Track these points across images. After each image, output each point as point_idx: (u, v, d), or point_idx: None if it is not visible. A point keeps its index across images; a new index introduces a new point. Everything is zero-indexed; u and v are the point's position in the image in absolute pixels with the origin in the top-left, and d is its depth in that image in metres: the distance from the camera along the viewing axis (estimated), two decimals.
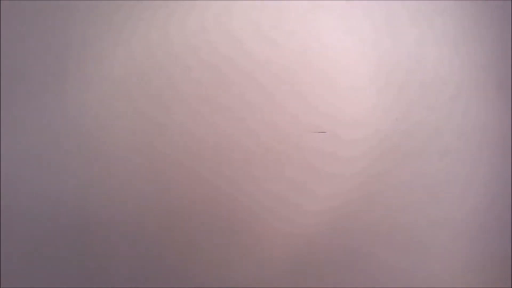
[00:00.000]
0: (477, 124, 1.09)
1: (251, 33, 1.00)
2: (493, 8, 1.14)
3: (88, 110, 0.92)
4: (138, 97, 0.95)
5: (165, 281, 0.97)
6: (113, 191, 0.94)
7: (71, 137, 0.92)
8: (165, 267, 0.97)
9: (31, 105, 0.90)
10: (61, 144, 0.92)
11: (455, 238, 1.08)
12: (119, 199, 0.94)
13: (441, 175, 1.07)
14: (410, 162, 1.07)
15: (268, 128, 1.01)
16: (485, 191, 1.09)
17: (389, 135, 1.06)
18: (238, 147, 1.00)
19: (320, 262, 1.06)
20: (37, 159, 0.90)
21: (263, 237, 1.03)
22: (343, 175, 1.07)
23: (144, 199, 0.96)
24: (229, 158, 0.99)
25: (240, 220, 1.01)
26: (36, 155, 0.90)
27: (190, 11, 0.96)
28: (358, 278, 1.08)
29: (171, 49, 0.96)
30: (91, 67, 0.92)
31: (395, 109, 1.06)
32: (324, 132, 1.04)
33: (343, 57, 1.04)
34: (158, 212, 0.96)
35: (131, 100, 0.95)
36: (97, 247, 0.94)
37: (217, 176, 0.99)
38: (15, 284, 0.90)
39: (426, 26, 1.09)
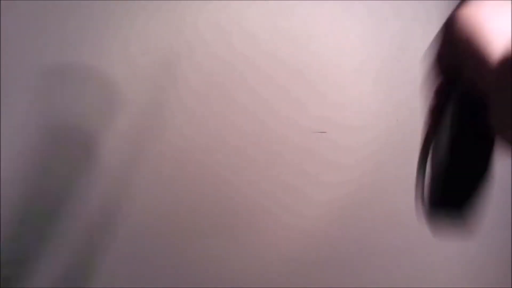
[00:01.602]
0: None
1: (248, 35, 1.00)
2: None
3: (84, 112, 0.92)
4: (135, 99, 0.95)
5: (163, 282, 0.97)
6: (111, 192, 0.94)
7: (68, 139, 0.92)
8: (163, 268, 0.97)
9: (26, 106, 0.90)
10: (57, 145, 0.91)
11: (455, 242, 1.08)
12: (117, 200, 0.94)
13: None
14: (410, 166, 1.07)
15: (264, 131, 1.01)
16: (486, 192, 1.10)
17: (390, 139, 1.06)
18: (236, 150, 1.00)
19: (316, 267, 1.06)
20: (34, 160, 0.90)
21: (260, 241, 1.03)
22: (343, 178, 1.07)
23: (141, 200, 0.95)
24: (226, 160, 0.99)
25: (237, 222, 1.01)
26: (33, 155, 0.90)
27: (186, 12, 0.96)
28: (355, 282, 1.08)
29: (167, 51, 0.95)
30: (87, 69, 0.92)
31: (397, 112, 1.06)
32: (325, 132, 1.04)
33: (343, 58, 1.05)
34: (154, 213, 0.96)
35: (128, 102, 0.94)
36: (96, 247, 0.94)
37: (214, 178, 0.99)
38: (15, 284, 0.89)
39: (431, 26, 1.10)
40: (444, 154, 0.30)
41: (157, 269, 0.97)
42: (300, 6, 1.02)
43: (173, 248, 0.97)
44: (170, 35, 0.96)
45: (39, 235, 0.91)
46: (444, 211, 0.32)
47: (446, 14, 0.35)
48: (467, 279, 1.09)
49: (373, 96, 1.05)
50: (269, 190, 1.02)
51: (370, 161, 1.07)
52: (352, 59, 1.05)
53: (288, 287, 1.04)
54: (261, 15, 1.00)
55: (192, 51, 0.97)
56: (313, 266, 1.06)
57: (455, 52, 0.28)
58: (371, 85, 1.05)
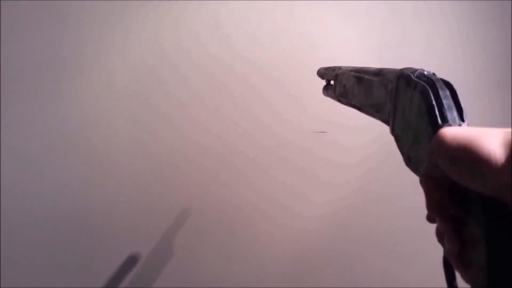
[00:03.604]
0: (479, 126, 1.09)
1: (248, 35, 0.99)
2: (493, 8, 1.14)
3: (83, 113, 0.92)
4: (133, 101, 0.94)
5: (164, 282, 0.97)
6: (110, 194, 0.94)
7: (66, 140, 0.92)
8: (162, 268, 0.97)
9: (25, 108, 0.90)
10: (56, 147, 0.91)
11: None
12: (117, 202, 0.94)
13: None
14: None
15: (265, 132, 1.01)
16: None
17: (391, 139, 1.06)
18: (235, 151, 1.00)
19: (316, 268, 1.06)
20: (33, 161, 0.90)
21: (260, 242, 1.03)
22: (342, 180, 1.07)
23: (140, 202, 0.95)
24: (225, 162, 0.99)
25: (237, 224, 1.01)
26: (32, 157, 0.90)
27: (183, 14, 0.96)
28: (356, 282, 1.08)
29: (164, 51, 0.95)
30: (85, 70, 0.92)
31: None
32: (325, 132, 1.04)
33: (344, 57, 1.04)
34: (154, 214, 0.96)
35: (126, 104, 0.94)
36: (96, 248, 0.94)
37: (213, 180, 0.99)
38: (15, 284, 0.89)
39: (431, 26, 1.09)
40: (485, 273, 0.27)
41: (157, 269, 0.97)
42: (301, 7, 1.02)
43: (172, 248, 0.97)
44: (169, 35, 0.95)
45: (38, 235, 0.91)
46: None
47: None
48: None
49: None
50: (269, 190, 1.02)
51: (371, 161, 1.07)
52: (352, 59, 1.05)
53: (289, 287, 1.04)
54: (261, 15, 1.00)
55: (191, 51, 0.97)
56: (314, 266, 1.06)
57: (458, 166, 0.26)
58: None
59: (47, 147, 0.90)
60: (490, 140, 0.24)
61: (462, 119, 0.30)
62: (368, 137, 1.06)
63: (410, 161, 0.36)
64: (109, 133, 0.93)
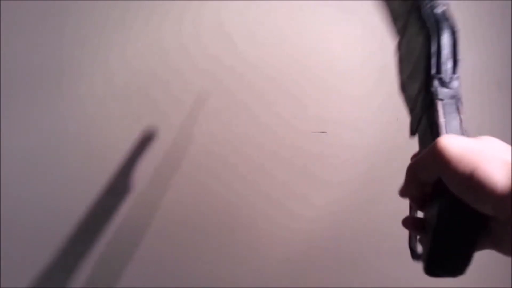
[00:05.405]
0: (479, 127, 1.09)
1: (248, 35, 0.99)
2: (493, 8, 1.14)
3: (83, 113, 0.92)
4: (134, 100, 0.94)
5: (163, 282, 0.97)
6: (111, 193, 0.94)
7: (67, 140, 0.92)
8: (162, 268, 0.97)
9: (25, 108, 0.90)
10: (56, 147, 0.91)
11: None
12: (117, 202, 0.94)
13: None
14: None
15: (265, 132, 1.01)
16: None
17: (390, 139, 1.06)
18: (235, 151, 1.00)
19: (316, 268, 1.06)
20: (32, 161, 0.90)
21: (260, 242, 1.03)
22: (341, 180, 1.07)
23: (140, 202, 0.95)
24: (225, 162, 0.99)
25: (237, 224, 1.01)
26: (31, 157, 0.90)
27: (184, 14, 0.96)
28: (356, 282, 1.08)
29: (165, 51, 0.95)
30: (86, 70, 0.92)
31: (397, 111, 1.06)
32: (325, 132, 1.04)
33: (344, 57, 1.04)
34: (153, 214, 0.96)
35: (127, 103, 0.94)
36: (95, 247, 0.94)
37: (213, 180, 0.99)
38: (15, 284, 0.90)
39: None
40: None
41: (157, 269, 0.97)
42: (301, 6, 1.02)
43: (172, 248, 0.97)
44: (170, 36, 0.95)
45: (38, 235, 0.91)
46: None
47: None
48: (467, 279, 1.09)
49: (374, 95, 1.05)
50: (268, 191, 1.02)
51: (371, 161, 1.07)
52: (352, 59, 1.05)
53: (289, 287, 1.04)
54: (261, 15, 1.00)
55: (191, 51, 0.97)
56: (314, 266, 1.06)
57: (453, 178, 0.29)
58: (371, 84, 1.05)
59: (47, 146, 0.90)
60: (495, 170, 0.26)
61: (454, 72, 0.32)
62: (368, 137, 1.06)
63: (405, 90, 0.40)
64: (110, 133, 0.93)
